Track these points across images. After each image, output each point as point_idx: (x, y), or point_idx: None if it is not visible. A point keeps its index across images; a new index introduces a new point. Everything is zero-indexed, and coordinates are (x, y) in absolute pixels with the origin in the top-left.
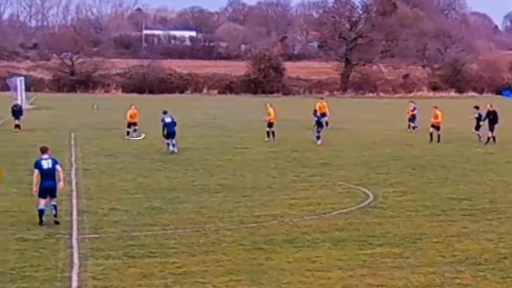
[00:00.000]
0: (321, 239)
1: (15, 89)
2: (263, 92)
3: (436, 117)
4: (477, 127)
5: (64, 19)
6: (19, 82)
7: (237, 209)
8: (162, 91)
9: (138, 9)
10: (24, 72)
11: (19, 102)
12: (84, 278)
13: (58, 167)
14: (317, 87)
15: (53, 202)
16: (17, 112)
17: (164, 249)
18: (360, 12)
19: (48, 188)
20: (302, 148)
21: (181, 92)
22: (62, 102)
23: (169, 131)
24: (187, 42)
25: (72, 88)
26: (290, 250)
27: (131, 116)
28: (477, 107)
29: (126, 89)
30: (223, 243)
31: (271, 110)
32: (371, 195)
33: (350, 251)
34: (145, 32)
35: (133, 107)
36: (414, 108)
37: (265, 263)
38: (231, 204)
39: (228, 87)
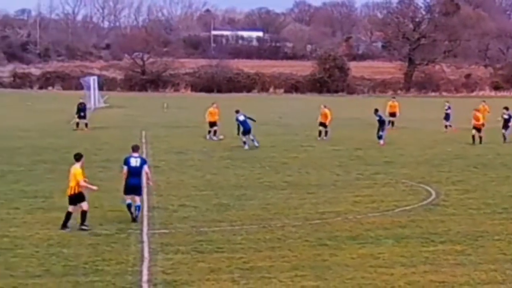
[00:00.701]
0: (384, 236)
1: (88, 88)
2: (328, 91)
3: (477, 119)
4: (505, 127)
5: (135, 20)
6: (92, 81)
7: (302, 206)
8: (229, 90)
9: (207, 10)
10: (97, 72)
11: (85, 100)
12: (154, 272)
13: (146, 167)
14: (381, 86)
15: (138, 203)
16: (81, 110)
17: (232, 244)
18: (424, 12)
19: (132, 185)
20: (365, 146)
21: (248, 91)
22: (134, 100)
23: (245, 128)
24: (254, 43)
25: (143, 87)
26: (354, 247)
27: (210, 114)
28: (506, 108)
29: (195, 88)
30: (289, 239)
31: (326, 110)
32: (433, 193)
33: (412, 248)
34: (214, 32)
35: (214, 105)
36: (449, 107)
37: (329, 259)
38: (297, 201)
39: (294, 86)
